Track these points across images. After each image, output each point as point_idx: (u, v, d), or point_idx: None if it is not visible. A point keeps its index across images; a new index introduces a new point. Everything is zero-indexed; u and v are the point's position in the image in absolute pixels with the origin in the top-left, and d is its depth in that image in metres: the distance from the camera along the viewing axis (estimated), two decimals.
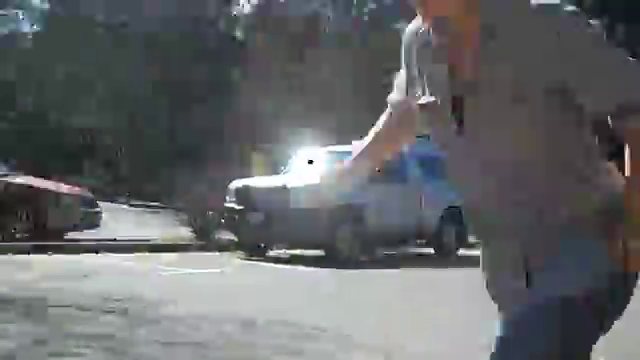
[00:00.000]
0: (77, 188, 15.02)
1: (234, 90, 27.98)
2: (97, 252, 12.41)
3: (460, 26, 1.99)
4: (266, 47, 27.61)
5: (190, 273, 10.55)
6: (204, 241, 14.46)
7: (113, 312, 6.74)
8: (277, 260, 12.97)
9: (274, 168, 15.83)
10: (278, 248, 14.00)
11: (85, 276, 9.25)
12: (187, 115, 28.35)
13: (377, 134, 2.33)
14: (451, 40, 2.01)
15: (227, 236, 14.14)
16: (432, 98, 2.05)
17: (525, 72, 1.92)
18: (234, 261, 12.51)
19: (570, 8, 1.96)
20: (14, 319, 6.26)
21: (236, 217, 13.07)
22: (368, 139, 2.34)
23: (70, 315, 6.54)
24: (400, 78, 2.24)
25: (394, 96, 2.29)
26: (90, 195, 14.58)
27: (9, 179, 13.56)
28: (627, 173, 1.96)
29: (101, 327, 6.08)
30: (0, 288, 7.82)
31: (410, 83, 2.15)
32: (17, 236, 12.90)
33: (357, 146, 2.36)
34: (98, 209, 14.25)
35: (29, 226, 13.01)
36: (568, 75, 1.91)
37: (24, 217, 12.98)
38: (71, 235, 13.74)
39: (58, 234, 13.33)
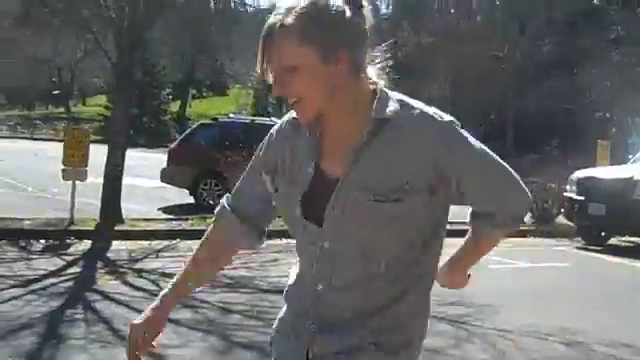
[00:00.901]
0: None
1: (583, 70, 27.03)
2: None
3: (337, 125, 2.00)
4: None
5: (524, 268, 10.45)
6: (544, 227, 14.24)
7: (443, 319, 6.94)
8: (616, 251, 12.38)
9: (619, 158, 15.15)
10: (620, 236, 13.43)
11: None
12: (530, 93, 27.85)
13: None
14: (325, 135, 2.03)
15: (566, 222, 13.84)
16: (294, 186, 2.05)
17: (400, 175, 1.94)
18: (572, 253, 12.19)
19: (448, 118, 1.99)
20: None
21: (576, 207, 12.78)
22: None
23: None
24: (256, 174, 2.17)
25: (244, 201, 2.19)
26: None
27: None
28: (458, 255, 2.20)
29: (431, 338, 6.28)
30: None
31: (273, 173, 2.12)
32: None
33: None
34: None
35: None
36: (450, 175, 1.96)
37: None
38: None
39: None
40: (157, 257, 9.62)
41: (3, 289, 7.29)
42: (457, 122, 2.00)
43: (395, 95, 2.01)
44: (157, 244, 10.51)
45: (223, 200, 2.22)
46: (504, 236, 2.13)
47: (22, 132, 34.63)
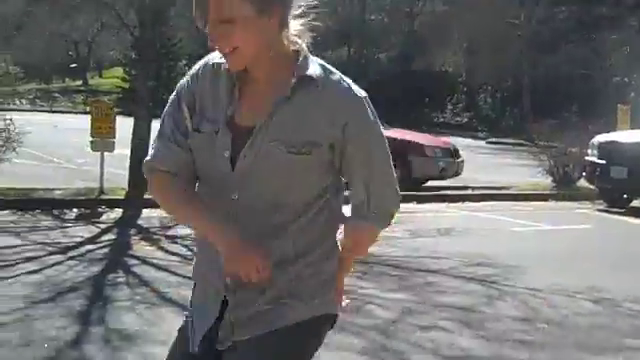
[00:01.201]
0: (440, 139, 15.78)
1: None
2: (453, 202, 12.94)
3: (260, 76, 2.11)
4: None
5: (547, 230, 10.61)
6: (565, 190, 14.34)
7: (473, 279, 7.14)
8: (638, 213, 12.49)
9: (639, 123, 15.22)
10: None
11: (440, 232, 9.77)
12: (551, 58, 27.77)
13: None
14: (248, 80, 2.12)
15: (587, 185, 13.95)
16: (211, 127, 2.12)
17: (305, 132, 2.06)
18: (593, 215, 12.32)
19: (363, 93, 2.12)
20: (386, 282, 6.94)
21: (598, 171, 12.90)
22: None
23: (433, 282, 7.05)
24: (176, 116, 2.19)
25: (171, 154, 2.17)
26: (452, 146, 15.18)
27: None
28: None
29: (461, 297, 6.49)
30: None
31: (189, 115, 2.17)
32: None
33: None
34: (460, 159, 14.78)
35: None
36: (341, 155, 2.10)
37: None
38: (431, 184, 14.46)
39: (420, 183, 14.16)
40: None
41: (44, 255, 7.52)
42: (367, 98, 2.13)
43: (316, 59, 2.13)
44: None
45: (152, 146, 2.23)
46: (373, 230, 2.19)
47: (41, 105, 34.87)
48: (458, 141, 16.98)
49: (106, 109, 11.92)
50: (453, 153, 14.78)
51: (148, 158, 2.21)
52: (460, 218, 11.23)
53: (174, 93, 2.22)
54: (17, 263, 7.16)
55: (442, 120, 31.69)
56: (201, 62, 2.20)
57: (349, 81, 2.12)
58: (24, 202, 10.55)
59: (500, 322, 5.79)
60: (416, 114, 29.55)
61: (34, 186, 11.33)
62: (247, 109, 2.11)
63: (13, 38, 40.92)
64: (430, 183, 14.41)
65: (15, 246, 7.92)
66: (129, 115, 13.16)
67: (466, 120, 31.91)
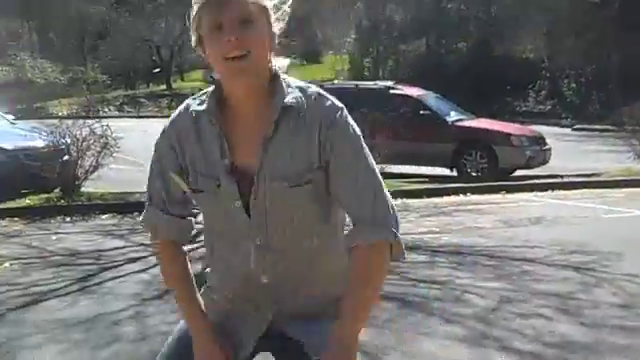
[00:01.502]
0: (527, 128, 15.71)
1: None
2: (542, 191, 12.85)
3: (244, 110, 2.09)
4: None
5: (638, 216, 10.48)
6: None
7: (568, 267, 7.15)
8: None
9: None
10: None
11: (532, 221, 9.73)
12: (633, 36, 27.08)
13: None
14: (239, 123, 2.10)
15: None
16: (212, 183, 2.09)
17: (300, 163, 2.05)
18: None
19: (340, 105, 2.09)
20: (479, 270, 7.03)
21: None
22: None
23: (529, 270, 7.09)
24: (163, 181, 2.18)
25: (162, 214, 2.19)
26: (539, 134, 15.10)
27: (464, 123, 14.78)
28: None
29: (557, 285, 6.53)
30: (464, 238, 8.71)
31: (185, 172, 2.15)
32: (472, 175, 14.02)
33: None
34: (547, 147, 14.67)
35: (482, 166, 14.05)
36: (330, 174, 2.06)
37: (477, 157, 14.06)
38: (519, 173, 14.39)
39: (508, 173, 14.14)
40: None
41: (147, 256, 7.79)
42: (345, 110, 2.10)
43: (291, 80, 2.12)
44: None
45: (147, 212, 2.23)
46: (380, 250, 2.04)
47: (129, 111, 35.80)
48: (543, 129, 16.82)
49: None
50: (540, 141, 14.68)
51: (144, 219, 2.25)
52: (550, 206, 11.17)
53: (155, 153, 2.20)
54: (124, 263, 7.51)
55: (525, 109, 31.24)
56: (173, 117, 2.17)
57: (324, 94, 2.11)
58: (122, 206, 10.99)
59: (598, 309, 5.81)
60: (498, 104, 29.23)
61: (130, 190, 11.78)
62: (241, 150, 2.09)
63: (99, 46, 42.27)
64: (518, 172, 14.35)
65: (120, 247, 8.30)
66: None
67: (549, 107, 31.39)
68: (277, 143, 2.06)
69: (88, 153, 11.68)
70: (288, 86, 2.10)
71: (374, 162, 2.11)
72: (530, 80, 31.45)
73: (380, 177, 2.10)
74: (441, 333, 5.18)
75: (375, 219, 2.04)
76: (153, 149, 2.21)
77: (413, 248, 8.04)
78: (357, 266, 2.05)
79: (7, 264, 7.45)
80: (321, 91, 2.11)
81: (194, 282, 2.22)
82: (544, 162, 14.44)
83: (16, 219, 10.19)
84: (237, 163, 2.08)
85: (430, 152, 14.17)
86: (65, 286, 6.59)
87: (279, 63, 2.12)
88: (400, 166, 14.20)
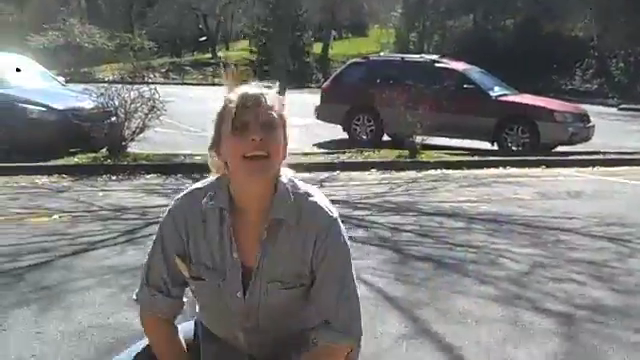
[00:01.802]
0: (570, 104, 15.67)
1: None
2: (584, 167, 12.84)
3: (246, 214, 2.28)
4: None
5: None
6: None
7: (604, 237, 7.22)
8: None
9: None
10: None
11: (571, 195, 9.80)
12: None
13: None
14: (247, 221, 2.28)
15: None
16: (216, 275, 2.28)
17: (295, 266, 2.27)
18: None
19: (335, 215, 2.28)
20: (516, 238, 7.14)
21: None
22: None
23: (564, 240, 7.17)
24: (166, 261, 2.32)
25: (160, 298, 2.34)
26: (583, 111, 15.04)
27: (508, 98, 14.80)
28: None
29: (592, 253, 6.62)
30: (493, 207, 8.80)
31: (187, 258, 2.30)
32: (513, 149, 14.04)
33: None
34: (590, 124, 14.62)
35: (523, 141, 14.06)
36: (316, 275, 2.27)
37: (519, 132, 14.07)
38: (560, 149, 14.36)
39: (549, 148, 14.13)
40: (321, 186, 10.26)
41: None
42: (339, 220, 2.30)
43: (293, 187, 2.28)
44: (318, 175, 11.16)
45: (144, 293, 2.37)
46: (342, 350, 2.30)
47: (174, 78, 36.20)
48: (588, 108, 16.68)
49: (242, 76, 12.45)
50: (583, 118, 14.62)
51: (141, 300, 2.38)
52: (590, 182, 11.19)
53: (159, 234, 2.35)
54: None
55: (571, 87, 30.97)
56: (182, 203, 2.33)
57: (321, 201, 2.29)
58: (167, 167, 11.25)
59: (632, 276, 5.90)
60: (544, 81, 28.99)
61: (175, 152, 12.04)
62: (243, 246, 2.28)
63: (147, 14, 42.68)
64: (559, 149, 14.33)
65: (164, 205, 8.43)
66: None
67: (596, 87, 31.06)
68: (273, 247, 2.26)
69: (135, 115, 11.94)
70: (286, 193, 2.27)
71: (354, 275, 2.34)
72: (578, 59, 31.13)
73: (357, 292, 2.33)
74: (474, 292, 5.32)
75: (350, 328, 2.30)
76: (158, 227, 2.35)
77: (451, 215, 8.18)
78: (321, 356, 2.30)
79: (56, 216, 7.72)
80: (319, 199, 2.30)
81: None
82: (587, 139, 14.40)
83: (64, 176, 10.49)
84: (241, 257, 2.28)
85: (472, 125, 14.21)
86: (112, 237, 6.84)
87: (286, 173, 2.31)
88: (441, 139, 14.27)
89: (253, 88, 2.26)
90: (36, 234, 6.87)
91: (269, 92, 2.26)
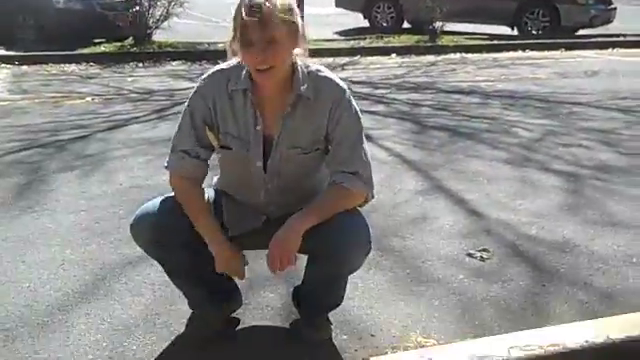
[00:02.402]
0: None
1: None
2: (603, 49, 12.94)
3: (270, 94, 2.50)
4: None
5: None
6: None
7: (616, 109, 7.47)
8: None
9: None
10: None
11: (588, 74, 9.98)
12: None
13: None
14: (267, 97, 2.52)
15: None
16: (241, 144, 2.54)
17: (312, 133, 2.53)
18: None
19: (345, 87, 2.52)
20: (531, 112, 7.41)
21: None
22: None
23: (577, 112, 7.44)
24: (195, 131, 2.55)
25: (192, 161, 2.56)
26: None
27: None
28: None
29: (602, 122, 6.89)
30: (520, 86, 9.02)
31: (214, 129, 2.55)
32: (533, 33, 14.11)
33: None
34: (612, 6, 14.59)
35: (544, 24, 14.10)
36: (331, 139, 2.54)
37: (540, 16, 14.10)
38: (580, 32, 14.41)
39: (570, 31, 14.18)
40: (343, 69, 10.50)
41: None
42: (348, 90, 2.55)
43: (305, 67, 2.51)
44: (340, 60, 11.38)
45: (171, 158, 2.58)
46: (356, 196, 2.53)
47: None
48: None
49: None
50: (605, 0, 14.58)
51: (171, 164, 2.58)
52: (609, 62, 11.33)
53: (188, 108, 2.57)
54: None
55: None
56: (209, 83, 2.56)
57: (331, 75, 2.55)
58: (192, 53, 11.51)
59: (638, 142, 6.18)
60: None
61: (199, 40, 12.27)
62: (265, 122, 2.54)
63: None
64: (580, 32, 14.37)
65: (191, 88, 8.78)
66: None
67: None
68: (292, 120, 2.53)
69: (159, 3, 12.12)
70: (303, 75, 2.50)
71: (364, 139, 2.59)
72: None
73: (367, 153, 2.57)
74: (488, 156, 5.64)
75: (366, 178, 2.55)
76: (186, 103, 2.57)
77: (469, 92, 8.44)
78: (336, 194, 2.53)
79: (89, 99, 8.07)
80: (329, 74, 2.55)
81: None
82: (608, 21, 14.41)
83: (92, 64, 10.80)
84: (263, 131, 2.55)
85: (492, 9, 14.22)
86: (144, 115, 7.20)
87: (298, 53, 2.46)
88: (461, 24, 14.34)
89: None
90: (72, 113, 7.24)
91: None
